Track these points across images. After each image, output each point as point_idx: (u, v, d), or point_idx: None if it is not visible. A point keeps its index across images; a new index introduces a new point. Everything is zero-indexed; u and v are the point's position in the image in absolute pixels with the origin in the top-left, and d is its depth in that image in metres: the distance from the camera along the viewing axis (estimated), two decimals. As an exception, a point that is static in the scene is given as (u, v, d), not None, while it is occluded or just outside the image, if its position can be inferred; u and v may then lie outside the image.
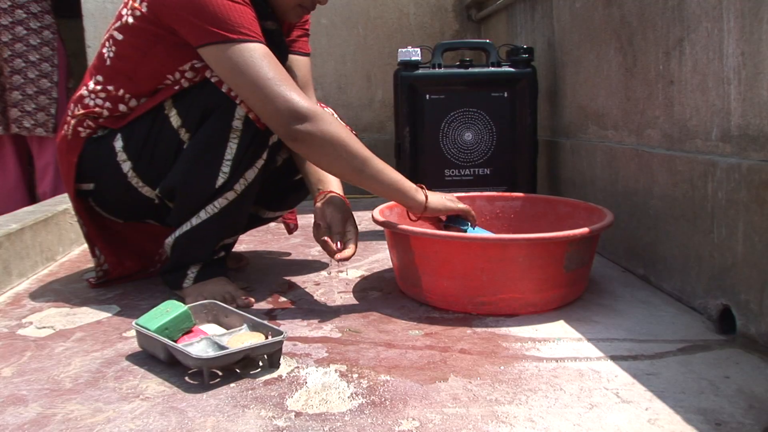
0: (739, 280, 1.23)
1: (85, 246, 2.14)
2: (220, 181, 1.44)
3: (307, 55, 1.72)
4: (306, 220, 2.27)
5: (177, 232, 1.50)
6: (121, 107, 1.51)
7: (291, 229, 1.94)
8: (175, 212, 1.50)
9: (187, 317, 1.22)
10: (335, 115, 1.59)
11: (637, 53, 1.62)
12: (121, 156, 1.50)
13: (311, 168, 1.58)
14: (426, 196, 1.46)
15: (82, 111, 1.53)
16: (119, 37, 1.46)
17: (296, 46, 1.68)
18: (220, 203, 1.46)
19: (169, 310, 1.22)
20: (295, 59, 1.67)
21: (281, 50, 1.53)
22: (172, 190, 1.48)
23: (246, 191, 1.48)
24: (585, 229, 1.37)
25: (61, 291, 1.65)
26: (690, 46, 1.38)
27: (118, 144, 1.50)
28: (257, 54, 1.32)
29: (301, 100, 1.32)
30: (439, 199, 1.49)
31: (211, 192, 1.45)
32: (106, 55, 1.50)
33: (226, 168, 1.44)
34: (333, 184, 1.55)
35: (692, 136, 1.39)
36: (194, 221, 1.47)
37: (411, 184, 1.46)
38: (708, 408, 0.97)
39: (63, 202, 2.20)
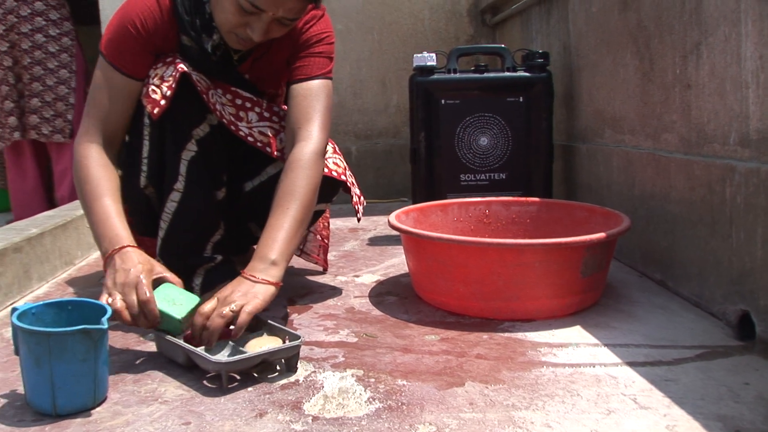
0: (759, 285, 1.22)
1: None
2: (142, 180, 1.46)
3: (310, 78, 1.48)
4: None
5: (157, 249, 1.49)
6: None
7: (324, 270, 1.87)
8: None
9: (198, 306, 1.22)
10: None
11: (654, 57, 1.61)
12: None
13: (266, 224, 1.37)
14: (108, 257, 1.28)
15: None
16: None
17: (296, 72, 1.49)
18: (170, 207, 1.45)
19: (181, 297, 1.22)
20: (293, 88, 1.48)
21: (204, 64, 1.46)
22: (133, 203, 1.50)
23: (190, 186, 1.44)
24: (602, 234, 1.37)
25: (80, 295, 1.67)
26: (707, 50, 1.37)
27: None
28: (102, 82, 1.42)
29: (78, 144, 1.42)
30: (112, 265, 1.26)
31: (142, 195, 1.47)
32: None
33: (144, 166, 1.45)
34: (253, 263, 1.30)
35: (710, 141, 1.39)
36: (161, 234, 1.47)
37: (112, 236, 1.30)
38: (727, 415, 0.96)
39: (81, 207, 2.22)
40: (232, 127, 1.45)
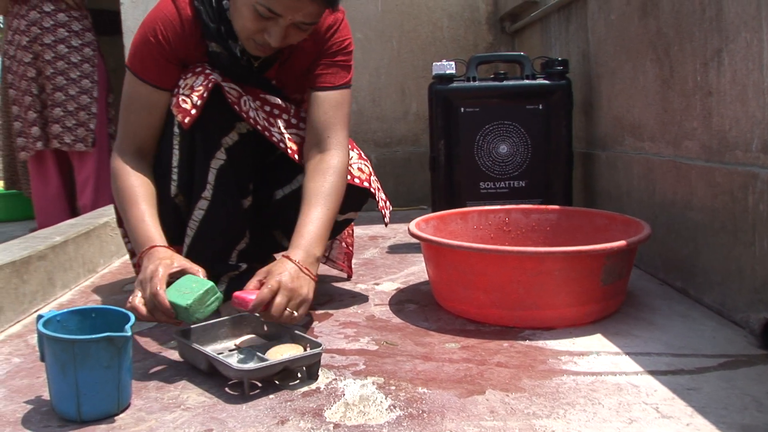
0: (782, 293, 1.21)
1: (126, 258, 2.18)
2: (173, 189, 1.47)
3: (333, 88, 1.51)
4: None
5: (183, 252, 1.50)
6: None
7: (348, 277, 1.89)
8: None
9: (212, 291, 1.22)
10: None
11: (674, 64, 1.61)
12: None
13: (297, 220, 1.40)
14: (139, 259, 1.32)
15: None
16: None
17: (318, 80, 1.51)
18: (197, 215, 1.46)
19: (194, 286, 1.22)
20: (315, 96, 1.50)
21: (234, 71, 1.47)
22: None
23: (218, 195, 1.46)
24: (622, 242, 1.36)
25: (103, 302, 1.69)
26: (729, 57, 1.37)
27: None
28: (132, 96, 1.46)
29: (113, 158, 1.46)
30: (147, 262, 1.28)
31: (172, 204, 1.48)
32: None
33: (174, 175, 1.47)
34: (299, 248, 1.34)
35: (732, 148, 1.38)
36: (187, 241, 1.49)
37: (144, 238, 1.34)
38: (752, 425, 0.95)
39: (104, 215, 2.24)
40: (266, 133, 1.47)
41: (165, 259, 1.26)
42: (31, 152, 3.23)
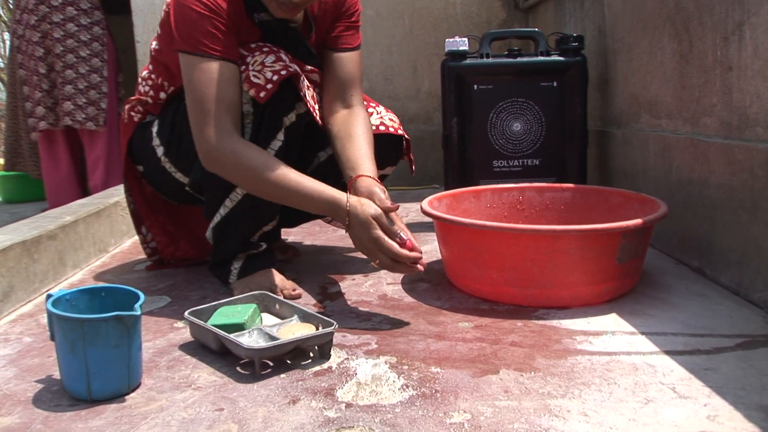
0: (802, 272, 1.18)
1: (136, 238, 2.18)
2: None
3: (353, 49, 1.59)
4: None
5: (210, 225, 1.52)
6: (162, 95, 1.59)
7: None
8: (206, 205, 1.53)
9: (257, 311, 1.28)
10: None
11: (693, 39, 1.57)
12: (156, 141, 1.58)
13: (342, 157, 1.46)
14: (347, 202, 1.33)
15: (135, 97, 1.63)
16: (159, 31, 1.54)
17: (339, 42, 1.57)
18: (242, 190, 1.46)
19: (239, 309, 1.26)
20: (337, 56, 1.56)
21: (286, 40, 1.48)
22: (198, 184, 1.52)
23: None
24: (639, 220, 1.34)
25: (114, 282, 1.68)
26: (750, 30, 1.33)
27: (155, 129, 1.58)
28: (204, 76, 1.36)
29: (213, 144, 1.36)
30: (359, 203, 1.32)
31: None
32: (153, 46, 1.57)
33: None
34: (364, 166, 1.42)
35: (752, 124, 1.35)
36: (222, 211, 1.49)
37: (333, 194, 1.35)
38: (770, 404, 0.94)
39: (115, 195, 2.24)
40: (315, 114, 1.49)
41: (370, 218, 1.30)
42: (37, 132, 3.23)
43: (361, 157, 1.44)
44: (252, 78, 1.37)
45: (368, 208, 1.30)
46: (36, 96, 3.19)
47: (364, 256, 1.84)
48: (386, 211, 1.32)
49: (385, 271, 1.69)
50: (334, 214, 1.35)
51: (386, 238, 1.28)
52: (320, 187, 1.35)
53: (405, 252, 1.28)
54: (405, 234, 1.30)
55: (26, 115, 3.28)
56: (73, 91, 3.19)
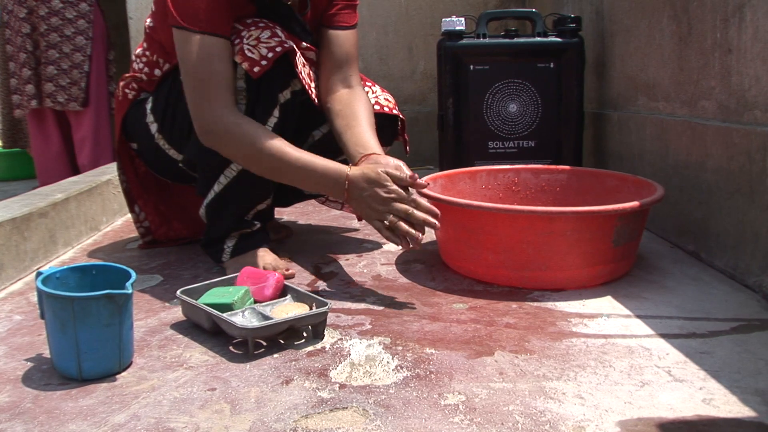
0: (799, 256, 1.18)
1: (128, 216, 2.16)
2: None
3: (350, 27, 1.57)
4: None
5: (204, 202, 1.50)
6: (156, 72, 1.56)
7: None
8: (199, 182, 1.51)
9: (248, 293, 1.24)
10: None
11: (693, 21, 1.56)
12: (150, 117, 1.55)
13: (346, 136, 1.44)
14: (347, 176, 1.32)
15: (129, 74, 1.60)
16: (153, 7, 1.51)
17: (336, 19, 1.55)
18: (236, 166, 1.44)
19: (230, 290, 1.23)
20: (335, 34, 1.54)
21: (281, 17, 1.46)
22: (191, 161, 1.51)
23: None
24: (635, 203, 1.33)
25: (105, 260, 1.67)
26: (751, 12, 1.32)
27: (149, 106, 1.56)
28: (199, 51, 1.33)
29: (210, 118, 1.35)
30: (365, 166, 1.33)
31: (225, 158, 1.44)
32: (147, 23, 1.55)
33: None
34: (373, 145, 1.41)
35: (751, 107, 1.34)
36: (216, 188, 1.47)
37: (337, 165, 1.34)
38: (766, 389, 0.93)
39: (107, 173, 2.22)
40: (311, 92, 1.46)
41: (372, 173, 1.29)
42: (25, 110, 3.19)
43: (368, 136, 1.42)
44: (246, 52, 1.35)
45: (378, 166, 1.30)
46: (25, 74, 3.14)
47: (359, 237, 1.84)
48: (410, 185, 1.31)
49: (380, 251, 1.68)
50: (336, 184, 1.33)
51: (401, 191, 1.28)
52: (322, 159, 1.34)
53: (425, 203, 1.29)
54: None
55: (11, 91, 3.23)
56: (55, 72, 3.14)
